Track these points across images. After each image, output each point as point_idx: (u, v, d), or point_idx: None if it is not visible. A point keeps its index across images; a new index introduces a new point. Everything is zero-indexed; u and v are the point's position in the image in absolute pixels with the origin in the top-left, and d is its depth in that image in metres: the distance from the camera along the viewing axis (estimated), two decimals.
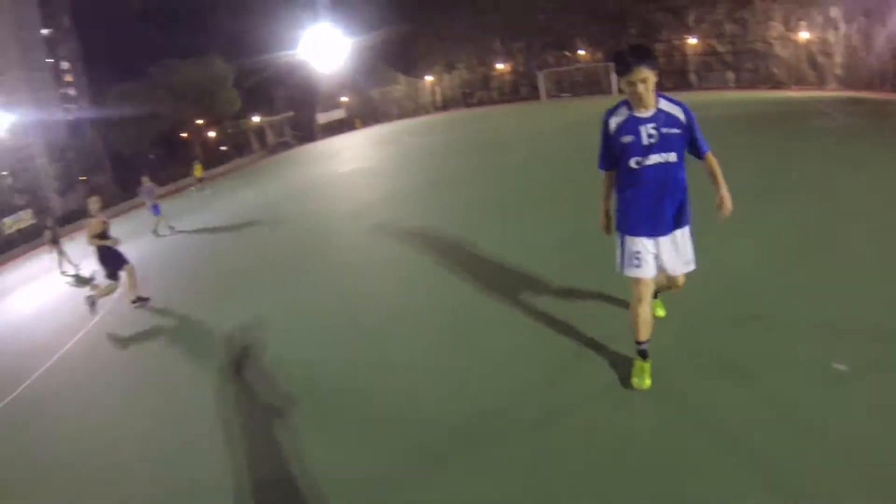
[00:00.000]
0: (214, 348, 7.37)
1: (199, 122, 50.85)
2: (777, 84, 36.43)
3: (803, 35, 35.19)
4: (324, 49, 48.43)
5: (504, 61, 49.11)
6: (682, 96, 15.57)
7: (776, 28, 36.94)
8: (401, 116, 52.01)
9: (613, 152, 4.11)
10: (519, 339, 5.63)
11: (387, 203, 14.11)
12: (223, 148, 52.55)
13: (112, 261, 9.86)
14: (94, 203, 9.98)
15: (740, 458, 3.51)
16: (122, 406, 6.58)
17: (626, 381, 4.47)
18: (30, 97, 59.29)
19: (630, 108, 3.97)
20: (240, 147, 52.70)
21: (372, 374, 5.68)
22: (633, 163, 4.01)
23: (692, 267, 4.29)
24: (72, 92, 73.09)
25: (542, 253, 8.04)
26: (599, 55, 44.36)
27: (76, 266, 16.45)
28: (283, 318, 7.94)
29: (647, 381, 4.38)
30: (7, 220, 37.98)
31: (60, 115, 63.51)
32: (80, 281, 15.03)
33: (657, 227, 4.14)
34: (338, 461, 4.36)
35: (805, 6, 35.56)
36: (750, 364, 4.40)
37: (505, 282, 7.19)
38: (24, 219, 38.20)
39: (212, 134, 52.81)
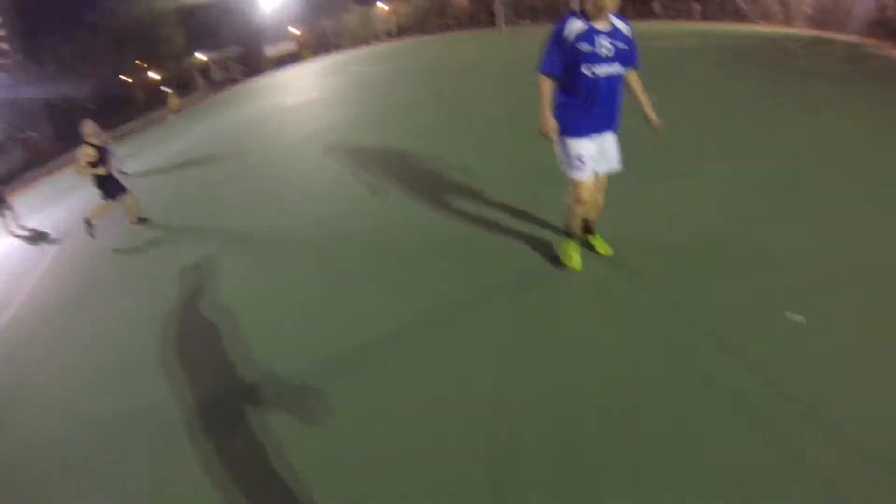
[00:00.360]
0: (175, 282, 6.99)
1: (140, 63, 48.09)
2: (743, 18, 35.67)
3: None
4: None
5: None
6: (647, 25, 19.82)
7: None
8: (354, 46, 49.93)
9: (566, 58, 4.26)
10: (460, 254, 5.81)
11: (331, 131, 13.55)
12: (165, 89, 49.93)
13: (110, 187, 9.57)
14: (87, 127, 9.24)
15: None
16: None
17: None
18: None
19: (588, 19, 4.17)
20: (184, 86, 49.99)
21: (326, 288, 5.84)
22: (587, 70, 4.23)
23: (616, 166, 4.69)
24: (4, 46, 69.33)
25: (483, 175, 8.04)
26: None
27: (21, 226, 15.17)
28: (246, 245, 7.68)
29: (578, 260, 4.98)
30: None
31: None
32: (34, 238, 13.87)
33: (597, 127, 4.49)
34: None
35: None
36: (699, 303, 4.41)
37: (451, 200, 7.26)
38: None
39: (155, 76, 50.07)
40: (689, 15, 38.40)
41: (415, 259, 5.90)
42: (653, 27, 29.63)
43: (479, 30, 42.87)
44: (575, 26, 4.17)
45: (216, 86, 47.37)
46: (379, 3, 50.48)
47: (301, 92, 24.44)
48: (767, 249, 4.90)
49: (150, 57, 47.92)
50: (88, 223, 9.66)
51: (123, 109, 44.37)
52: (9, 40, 68.19)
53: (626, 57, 4.28)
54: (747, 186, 6.30)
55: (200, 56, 49.10)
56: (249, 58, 50.74)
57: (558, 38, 4.22)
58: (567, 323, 4.35)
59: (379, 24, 50.95)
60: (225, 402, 4.31)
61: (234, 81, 47.62)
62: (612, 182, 4.92)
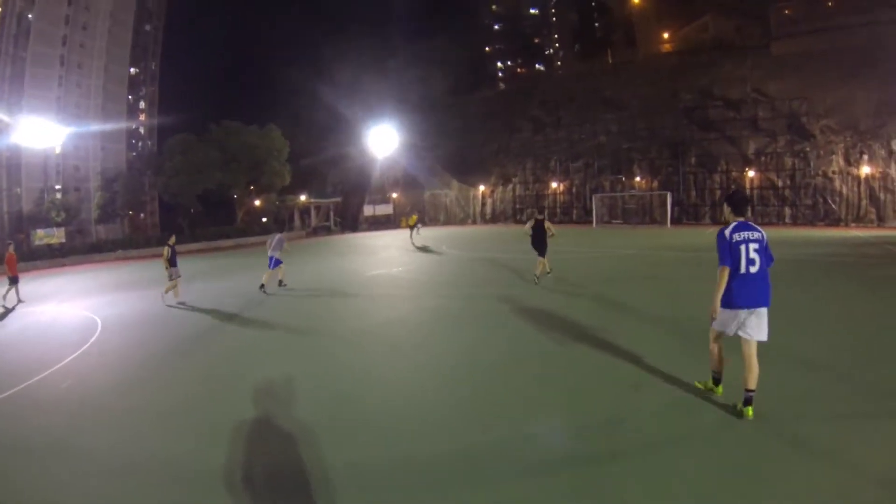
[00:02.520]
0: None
1: (250, 188, 50.36)
2: (835, 221, 36.18)
3: (865, 169, 35.28)
4: (384, 144, 48.62)
5: (560, 180, 48.81)
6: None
7: (837, 162, 36.98)
8: (447, 223, 51.23)
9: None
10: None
11: (398, 325, 11.56)
12: (264, 219, 51.86)
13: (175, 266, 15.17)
14: (171, 239, 15.39)
15: None
16: None
17: None
18: (100, 123, 61.74)
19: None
20: (281, 222, 51.76)
21: None
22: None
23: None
24: (141, 130, 76.17)
25: None
26: (655, 183, 43.56)
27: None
28: None
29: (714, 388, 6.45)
30: (40, 232, 38.88)
31: (121, 147, 66.94)
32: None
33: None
34: None
35: (867, 139, 36.10)
36: None
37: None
38: (57, 236, 38.85)
39: (257, 203, 52.35)
40: (780, 219, 38.90)
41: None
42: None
43: (572, 225, 43.35)
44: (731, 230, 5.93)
45: (311, 230, 49.22)
46: (481, 187, 51.92)
47: (386, 263, 23.56)
48: None
49: (257, 185, 50.13)
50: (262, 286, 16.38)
51: (219, 223, 46.26)
52: (147, 126, 75.47)
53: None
54: None
55: (302, 198, 51.16)
56: (347, 211, 52.77)
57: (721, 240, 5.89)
58: None
59: (476, 206, 52.42)
60: None
61: (327, 230, 49.21)
62: None
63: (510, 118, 53.59)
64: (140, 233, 56.70)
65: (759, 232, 5.86)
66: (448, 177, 52.17)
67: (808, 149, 37.76)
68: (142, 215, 68.33)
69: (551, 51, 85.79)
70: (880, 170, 34.51)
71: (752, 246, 5.74)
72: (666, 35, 59.86)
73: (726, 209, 6.15)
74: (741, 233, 5.81)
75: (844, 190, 36.22)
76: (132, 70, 74.68)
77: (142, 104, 78.69)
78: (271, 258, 16.75)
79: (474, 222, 51.35)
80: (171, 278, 15.00)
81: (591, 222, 42.44)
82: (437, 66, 59.32)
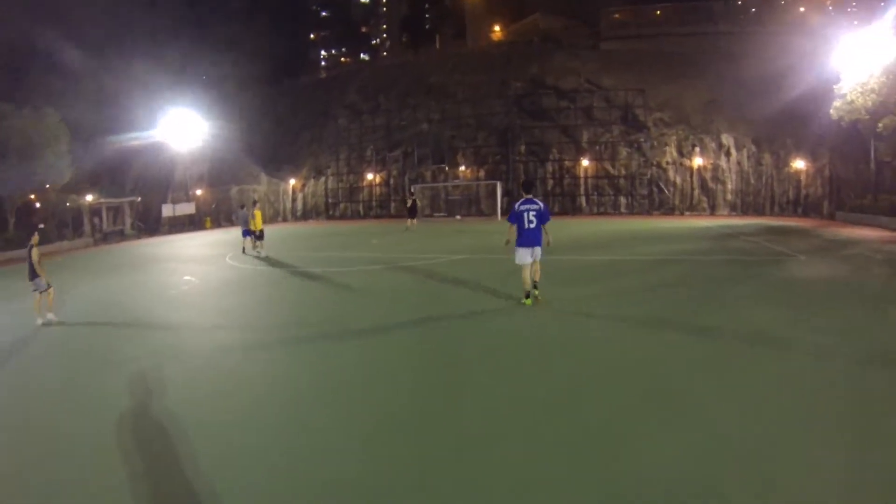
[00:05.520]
0: None
1: (24, 189, 41.14)
2: (669, 210, 37.69)
3: (697, 161, 36.98)
4: (189, 136, 42.63)
5: (376, 171, 45.71)
6: (577, 223, 30.65)
7: (670, 153, 38.13)
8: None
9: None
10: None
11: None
12: (41, 226, 43.04)
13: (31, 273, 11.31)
14: (34, 239, 11.45)
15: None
16: None
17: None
18: None
19: None
20: (65, 227, 43.51)
21: None
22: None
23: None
24: None
25: None
26: (482, 172, 41.52)
27: None
28: None
29: (527, 302, 10.60)
30: None
31: None
32: None
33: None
34: None
35: (699, 132, 37.38)
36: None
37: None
38: None
39: (38, 205, 43.62)
40: (615, 209, 39.40)
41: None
42: (583, 226, 28.57)
43: (390, 220, 40.67)
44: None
45: (102, 236, 41.45)
46: (292, 180, 47.69)
47: (184, 273, 18.49)
48: None
49: (31, 182, 40.83)
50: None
51: None
52: None
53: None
54: None
55: (90, 197, 42.85)
56: (146, 213, 45.27)
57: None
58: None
59: (286, 202, 48.43)
60: None
61: (121, 235, 41.62)
62: None
63: (326, 106, 49.64)
64: None
65: (538, 204, 10.29)
66: (257, 170, 47.16)
67: (642, 139, 38.46)
68: None
69: (378, 41, 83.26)
70: (711, 161, 36.62)
71: (532, 213, 10.15)
72: (497, 28, 58.93)
73: (522, 190, 10.99)
74: (525, 205, 10.25)
75: (678, 180, 37.66)
76: None
77: None
78: (243, 230, 21.55)
79: (285, 220, 46.87)
80: (38, 290, 11.27)
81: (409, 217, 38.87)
82: (254, 52, 54.26)
